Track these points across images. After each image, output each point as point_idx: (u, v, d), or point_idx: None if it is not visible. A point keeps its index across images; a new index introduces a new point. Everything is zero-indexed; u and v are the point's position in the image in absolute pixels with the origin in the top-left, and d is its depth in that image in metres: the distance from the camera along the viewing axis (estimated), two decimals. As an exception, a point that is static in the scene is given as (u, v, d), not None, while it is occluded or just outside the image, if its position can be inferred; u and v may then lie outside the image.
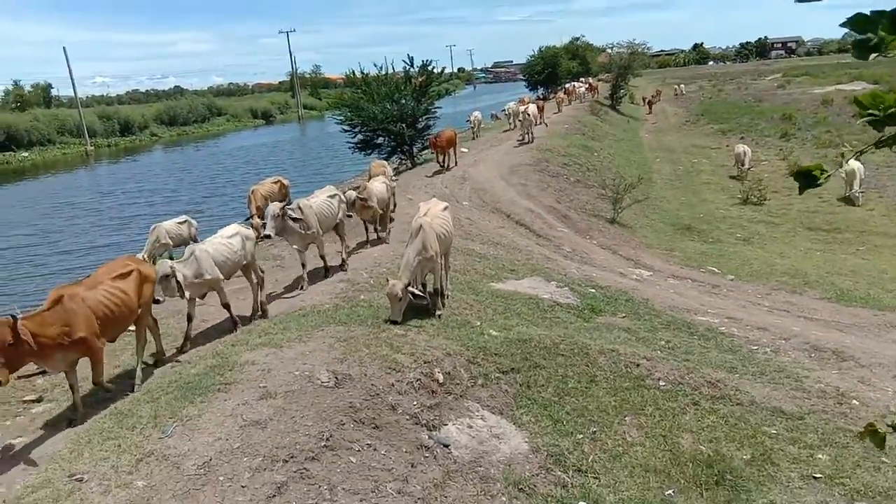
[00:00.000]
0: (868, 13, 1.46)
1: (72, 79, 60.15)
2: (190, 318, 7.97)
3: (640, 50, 48.94)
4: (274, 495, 4.67)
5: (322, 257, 10.37)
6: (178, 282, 7.22)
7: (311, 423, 5.51)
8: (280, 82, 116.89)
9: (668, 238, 18.49)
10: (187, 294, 7.47)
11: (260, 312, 8.81)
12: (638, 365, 7.48)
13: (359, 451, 5.43)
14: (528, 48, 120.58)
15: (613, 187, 19.47)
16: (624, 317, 9.82)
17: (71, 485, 4.88)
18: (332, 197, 10.72)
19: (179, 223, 12.90)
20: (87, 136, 58.36)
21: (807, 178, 1.69)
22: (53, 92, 71.01)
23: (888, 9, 1.43)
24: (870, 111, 1.51)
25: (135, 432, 5.49)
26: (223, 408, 5.68)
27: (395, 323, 7.70)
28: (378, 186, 12.45)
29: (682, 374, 7.35)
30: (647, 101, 48.92)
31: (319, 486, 4.86)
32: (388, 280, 8.08)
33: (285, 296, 9.72)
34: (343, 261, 10.83)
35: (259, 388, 5.97)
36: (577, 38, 60.36)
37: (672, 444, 6.19)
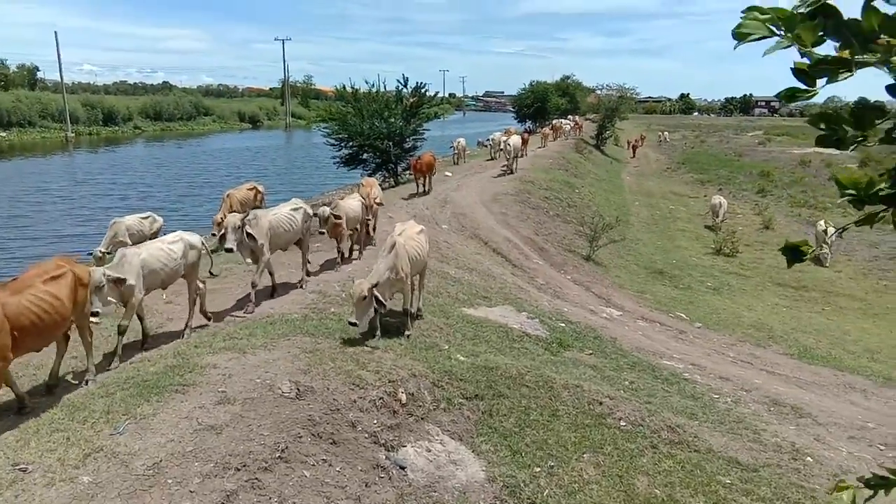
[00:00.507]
0: (831, 111, 1.52)
1: (59, 63, 59.43)
2: (122, 331, 7.21)
3: (628, 94, 49.99)
4: (223, 503, 4.56)
5: (270, 273, 9.77)
6: (114, 290, 6.75)
7: (267, 433, 5.41)
8: (270, 88, 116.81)
9: (641, 280, 18.69)
10: (109, 300, 6.79)
11: (185, 332, 8.08)
12: (601, 403, 7.50)
13: (314, 465, 5.34)
14: (520, 81, 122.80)
15: (591, 225, 19.67)
16: (591, 353, 9.87)
17: (14, 474, 4.72)
18: (295, 210, 10.06)
19: (142, 218, 12.48)
20: (69, 122, 57.57)
21: (794, 253, 1.78)
22: (39, 75, 70.15)
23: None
24: (849, 190, 1.56)
25: (85, 426, 5.34)
26: (179, 409, 5.56)
27: (353, 325, 7.42)
28: (352, 204, 12.05)
29: (643, 415, 7.38)
30: (631, 144, 49.79)
31: (270, 498, 4.77)
32: (353, 280, 8.03)
33: (234, 313, 9.05)
34: (302, 277, 10.39)
35: (218, 393, 5.87)
36: (569, 77, 61.54)
37: (627, 486, 6.20)
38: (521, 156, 27.96)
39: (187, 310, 8.37)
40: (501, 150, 25.96)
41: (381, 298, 7.63)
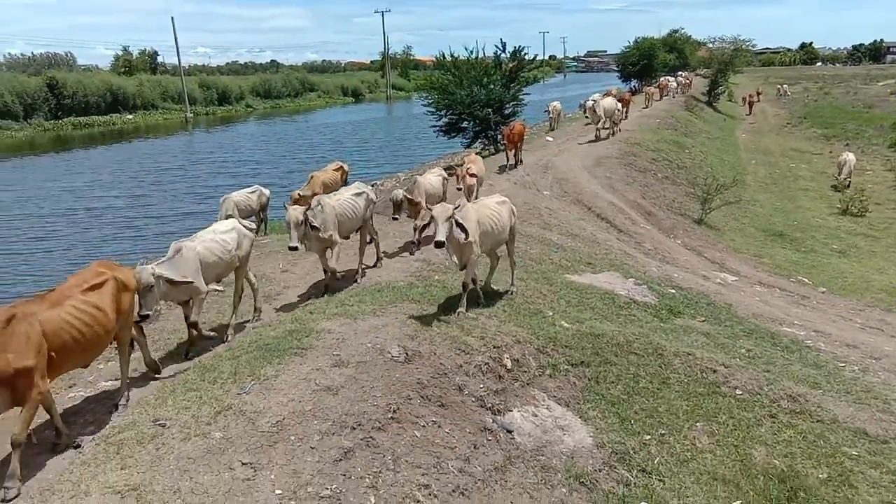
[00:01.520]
0: None
1: (177, 48, 63.48)
2: (195, 325, 6.92)
3: (743, 46, 46.69)
4: (340, 459, 4.82)
5: (326, 269, 8.87)
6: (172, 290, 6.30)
7: (379, 395, 5.64)
8: (371, 61, 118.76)
9: (758, 244, 17.69)
10: (162, 302, 6.47)
11: (229, 334, 7.47)
12: (714, 371, 7.23)
13: (423, 426, 5.52)
14: (624, 38, 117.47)
15: (704, 187, 18.79)
16: (703, 321, 9.50)
17: (154, 429, 5.20)
18: (357, 195, 9.23)
19: (250, 193, 12.88)
20: (187, 103, 61.21)
21: None
22: (159, 59, 74.73)
23: None
24: None
25: (215, 386, 5.78)
26: (298, 371, 5.90)
27: (439, 246, 7.01)
28: (431, 180, 11.50)
29: (760, 384, 7.05)
30: (746, 100, 46.69)
31: (384, 456, 4.98)
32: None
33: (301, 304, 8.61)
34: (359, 270, 9.41)
35: (333, 356, 6.16)
36: (676, 31, 58.26)
37: (744, 455, 5.98)
38: (622, 119, 26.59)
39: (305, 276, 8.57)
40: (593, 115, 24.51)
41: (461, 222, 7.12)
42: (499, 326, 7.37)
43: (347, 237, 9.21)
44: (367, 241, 9.64)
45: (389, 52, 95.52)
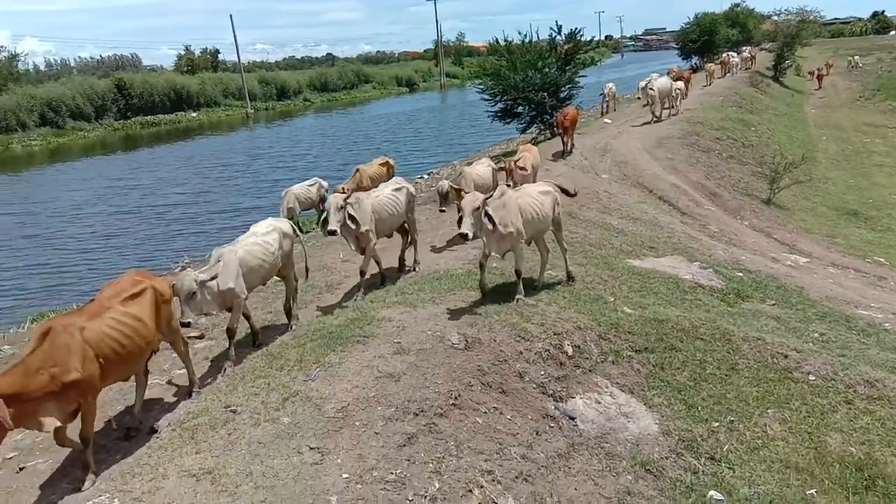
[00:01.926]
0: None
1: (236, 45, 65.21)
2: (231, 334, 6.68)
3: (810, 17, 44.50)
4: (404, 445, 4.89)
5: (371, 267, 8.57)
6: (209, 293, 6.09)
7: (440, 381, 5.68)
8: (425, 50, 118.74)
9: (831, 223, 16.92)
10: (204, 309, 6.22)
11: (293, 322, 7.57)
12: (786, 356, 6.97)
13: (485, 412, 5.54)
14: (683, 14, 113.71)
15: (771, 165, 18.09)
16: (773, 304, 9.16)
17: (226, 415, 5.40)
18: (397, 191, 8.91)
19: (309, 185, 13.11)
20: (248, 99, 62.74)
21: None
22: (220, 57, 76.73)
23: None
24: None
25: (283, 373, 5.95)
26: (361, 358, 6.00)
27: (464, 236, 6.90)
28: (480, 170, 11.21)
29: (835, 369, 6.76)
30: (815, 73, 44.48)
31: (447, 442, 5.03)
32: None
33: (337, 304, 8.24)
34: (402, 263, 9.33)
35: (394, 344, 6.24)
36: (738, 5, 55.93)
37: (818, 443, 5.76)
38: (683, 98, 25.49)
39: (358, 271, 8.45)
40: (642, 96, 23.45)
41: (490, 213, 6.97)
42: (559, 313, 7.30)
43: (390, 235, 9.02)
44: (414, 237, 9.39)
45: (442, 40, 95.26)
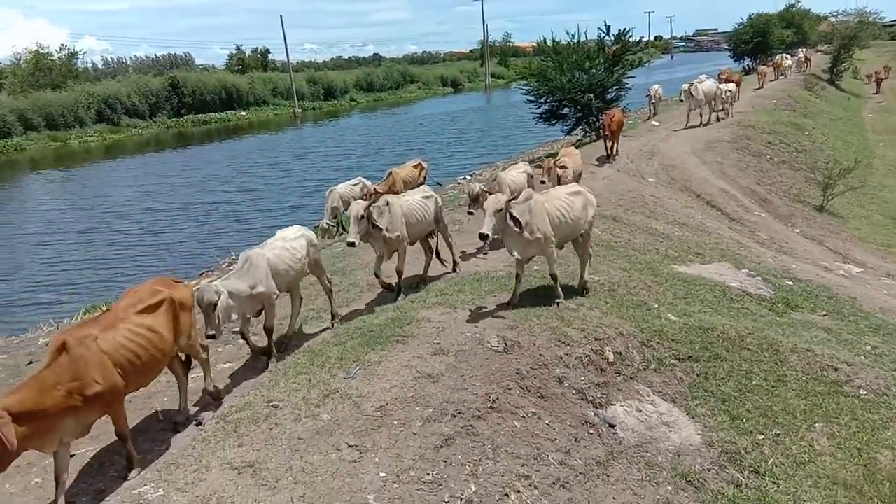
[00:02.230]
0: None
1: (286, 45, 66.19)
2: (250, 345, 6.78)
3: (869, 19, 42.93)
4: (441, 446, 4.90)
5: (397, 271, 8.24)
6: (228, 306, 5.85)
7: (479, 384, 5.68)
8: (471, 51, 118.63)
9: (887, 232, 16.29)
10: (235, 316, 6.17)
11: (335, 322, 7.60)
12: (836, 369, 6.74)
13: (523, 417, 5.51)
14: (736, 15, 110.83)
15: (825, 171, 17.54)
16: (824, 315, 8.86)
17: (268, 410, 5.50)
18: (427, 198, 8.70)
19: (353, 185, 13.10)
20: (295, 98, 63.78)
21: None
22: (270, 57, 78.11)
23: None
24: None
25: (323, 370, 6.03)
26: (400, 358, 6.04)
27: (484, 238, 6.83)
28: (514, 175, 10.88)
29: (888, 384, 6.52)
30: (873, 77, 42.82)
31: (484, 445, 5.02)
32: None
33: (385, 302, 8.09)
34: (455, 262, 9.18)
35: (433, 345, 6.26)
36: (793, 5, 54.29)
37: (868, 460, 5.56)
38: (734, 101, 24.65)
39: (407, 266, 8.41)
40: (685, 100, 22.61)
41: (515, 215, 6.84)
42: (600, 318, 7.21)
43: (414, 242, 8.62)
44: (448, 241, 9.16)
45: (489, 41, 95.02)
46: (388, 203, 7.87)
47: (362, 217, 7.44)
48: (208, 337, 5.69)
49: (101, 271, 16.56)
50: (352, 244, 7.47)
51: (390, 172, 13.07)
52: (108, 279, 15.65)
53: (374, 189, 11.91)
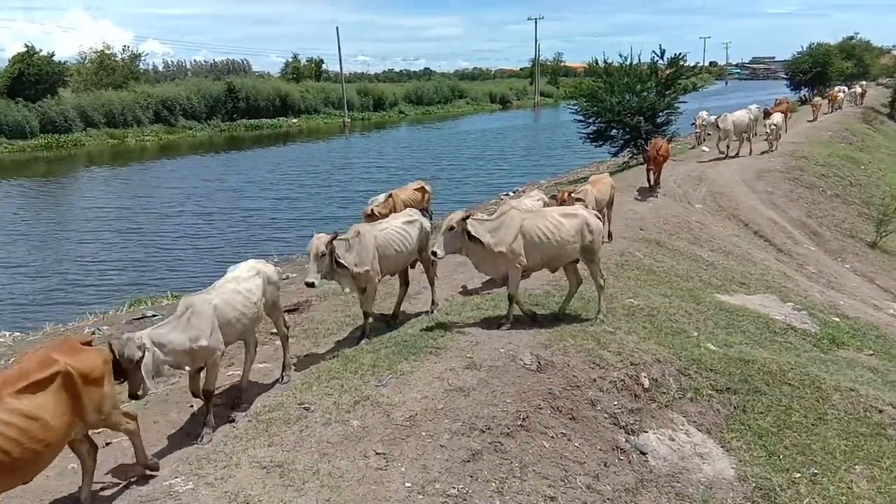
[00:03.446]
0: None
1: (339, 56, 67.61)
2: (209, 395, 5.52)
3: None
4: (468, 461, 4.89)
5: (365, 312, 7.31)
6: (158, 361, 4.86)
7: (509, 401, 5.65)
8: (521, 68, 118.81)
9: (944, 274, 15.65)
10: (168, 369, 5.19)
11: (285, 375, 6.49)
12: (881, 411, 6.50)
13: (553, 437, 5.46)
14: (794, 44, 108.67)
15: (880, 207, 16.98)
16: (871, 354, 8.56)
17: (299, 412, 5.57)
18: (409, 223, 7.72)
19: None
20: (346, 108, 64.87)
21: None
22: (323, 67, 79.65)
23: None
24: None
25: (356, 376, 6.09)
26: (432, 369, 6.06)
27: (433, 255, 6.82)
28: (527, 204, 9.75)
29: (935, 431, 6.25)
30: None
31: (511, 463, 4.99)
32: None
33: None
34: (433, 302, 8.15)
35: (466, 358, 6.26)
36: (853, 37, 52.94)
37: (911, 508, 5.33)
38: (778, 133, 22.73)
39: (443, 279, 8.43)
40: (713, 132, 21.46)
41: (473, 233, 6.79)
42: (637, 343, 7.10)
43: (394, 273, 7.85)
44: (430, 275, 8.10)
45: (540, 59, 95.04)
46: (358, 234, 6.99)
47: (323, 255, 6.50)
48: (131, 397, 4.74)
49: (130, 273, 16.53)
50: (311, 284, 6.53)
51: (390, 194, 12.19)
52: (138, 282, 15.44)
53: (372, 210, 11.34)
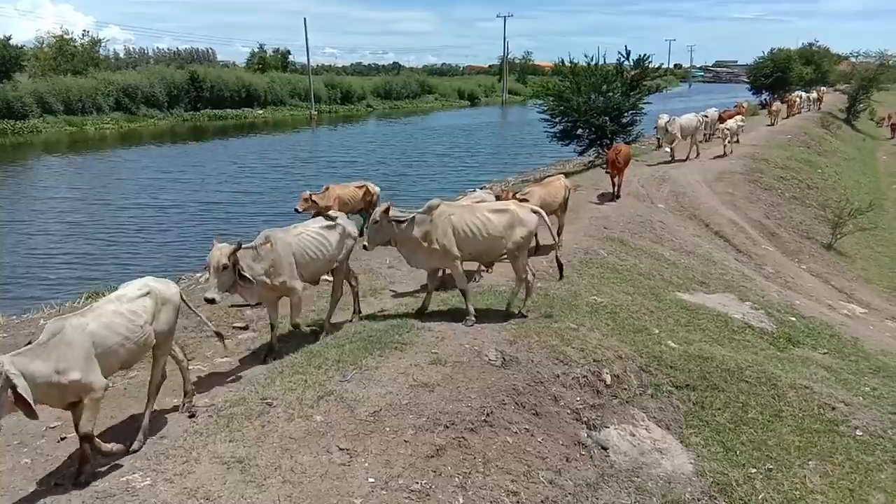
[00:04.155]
0: None
1: (307, 48, 66.38)
2: (87, 453, 4.64)
3: (890, 62, 43.03)
4: (432, 456, 4.89)
5: (293, 325, 6.81)
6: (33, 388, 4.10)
7: (474, 396, 5.67)
8: (490, 66, 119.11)
9: (894, 275, 16.23)
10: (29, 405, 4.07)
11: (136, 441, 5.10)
12: (833, 408, 6.71)
13: (516, 433, 5.50)
14: (756, 49, 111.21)
15: (836, 210, 17.52)
16: (825, 353, 8.83)
17: (262, 406, 5.48)
18: (328, 228, 7.14)
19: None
20: (312, 101, 64.12)
21: None
22: (291, 58, 78.60)
23: None
24: None
25: (320, 371, 6.02)
26: (397, 365, 6.04)
27: (365, 248, 7.09)
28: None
29: (884, 426, 6.48)
30: (887, 120, 42.51)
31: (475, 458, 5.01)
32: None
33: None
34: (355, 312, 7.71)
35: (431, 354, 6.26)
36: (813, 43, 54.39)
37: (860, 500, 5.55)
38: (730, 138, 22.83)
39: (409, 274, 8.63)
40: (660, 134, 21.31)
41: (398, 218, 6.96)
42: (600, 340, 7.19)
43: (316, 282, 7.42)
44: (342, 288, 7.57)
45: (508, 57, 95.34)
46: (268, 240, 6.37)
47: (225, 267, 5.82)
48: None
49: (80, 266, 15.91)
50: (211, 300, 5.78)
51: (327, 188, 11.90)
52: (89, 277, 14.65)
53: (310, 196, 11.28)
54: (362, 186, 12.60)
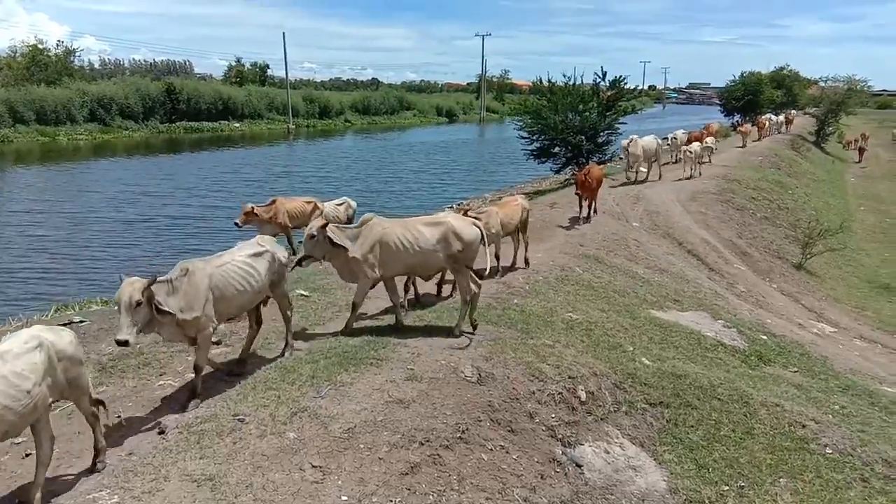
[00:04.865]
0: None
1: (286, 62, 66.08)
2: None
3: (858, 86, 44.30)
4: (406, 473, 4.85)
5: (196, 367, 6.04)
6: None
7: (449, 413, 5.64)
8: (468, 83, 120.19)
9: (862, 295, 16.58)
10: None
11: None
12: (804, 426, 6.80)
13: (491, 450, 5.48)
14: (728, 72, 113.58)
15: (806, 230, 17.89)
16: (796, 371, 8.97)
17: (233, 423, 5.39)
18: (256, 256, 6.49)
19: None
20: (290, 115, 63.93)
21: None
22: (269, 72, 78.35)
23: None
24: None
25: (294, 387, 5.94)
26: (372, 381, 5.99)
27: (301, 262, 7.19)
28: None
29: (854, 445, 6.57)
30: (853, 144, 43.67)
31: (449, 475, 4.97)
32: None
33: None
34: (286, 346, 7.10)
35: (407, 370, 6.22)
36: (784, 67, 55.81)
37: (831, 519, 5.58)
38: (703, 161, 23.28)
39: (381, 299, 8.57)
40: (623, 155, 21.01)
41: (335, 240, 7.11)
42: (575, 357, 7.22)
43: (236, 317, 6.99)
44: (290, 310, 7.08)
45: (486, 75, 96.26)
46: (187, 272, 5.76)
47: (139, 304, 5.16)
48: None
49: (35, 284, 15.43)
50: (123, 343, 5.08)
51: (274, 200, 11.60)
52: (46, 293, 14.30)
53: (252, 208, 11.04)
54: (311, 202, 12.31)
